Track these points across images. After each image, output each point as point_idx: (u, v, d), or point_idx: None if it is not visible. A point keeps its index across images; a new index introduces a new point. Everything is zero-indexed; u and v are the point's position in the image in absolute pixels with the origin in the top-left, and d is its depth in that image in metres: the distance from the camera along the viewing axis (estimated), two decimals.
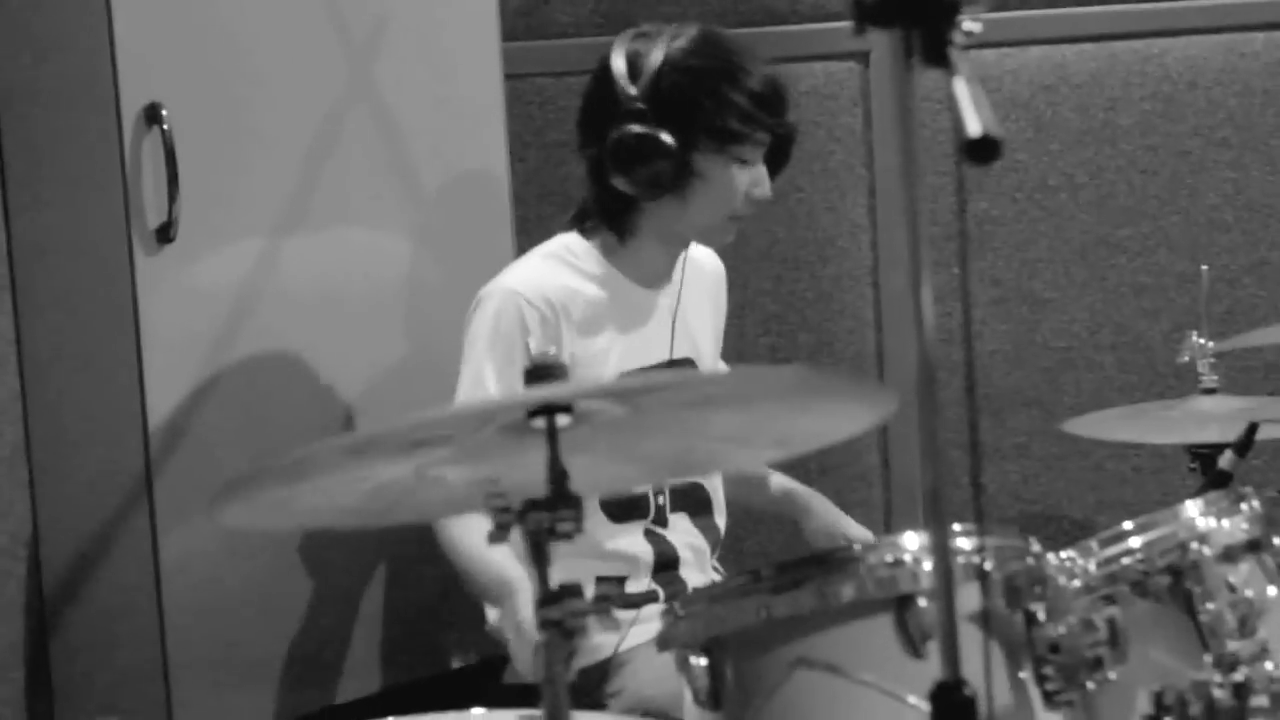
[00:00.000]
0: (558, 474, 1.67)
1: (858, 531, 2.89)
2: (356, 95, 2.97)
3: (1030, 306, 3.56)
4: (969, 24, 1.46)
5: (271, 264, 2.86)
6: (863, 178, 3.54)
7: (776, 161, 2.79)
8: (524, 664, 2.53)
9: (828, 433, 1.84)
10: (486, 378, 2.67)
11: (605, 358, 2.75)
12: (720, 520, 2.88)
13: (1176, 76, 3.52)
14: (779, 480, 2.98)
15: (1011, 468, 3.56)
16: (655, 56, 2.70)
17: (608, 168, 2.70)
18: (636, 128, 2.69)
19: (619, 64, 2.72)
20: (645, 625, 2.62)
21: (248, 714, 2.83)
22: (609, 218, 2.77)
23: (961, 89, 1.42)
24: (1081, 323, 3.56)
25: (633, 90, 2.69)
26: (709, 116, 2.69)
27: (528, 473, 1.68)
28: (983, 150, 1.40)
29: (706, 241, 2.85)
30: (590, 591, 1.70)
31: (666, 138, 2.69)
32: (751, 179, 2.74)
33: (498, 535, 1.68)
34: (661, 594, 2.76)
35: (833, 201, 3.55)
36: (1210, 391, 2.93)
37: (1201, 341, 2.92)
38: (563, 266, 2.77)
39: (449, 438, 1.70)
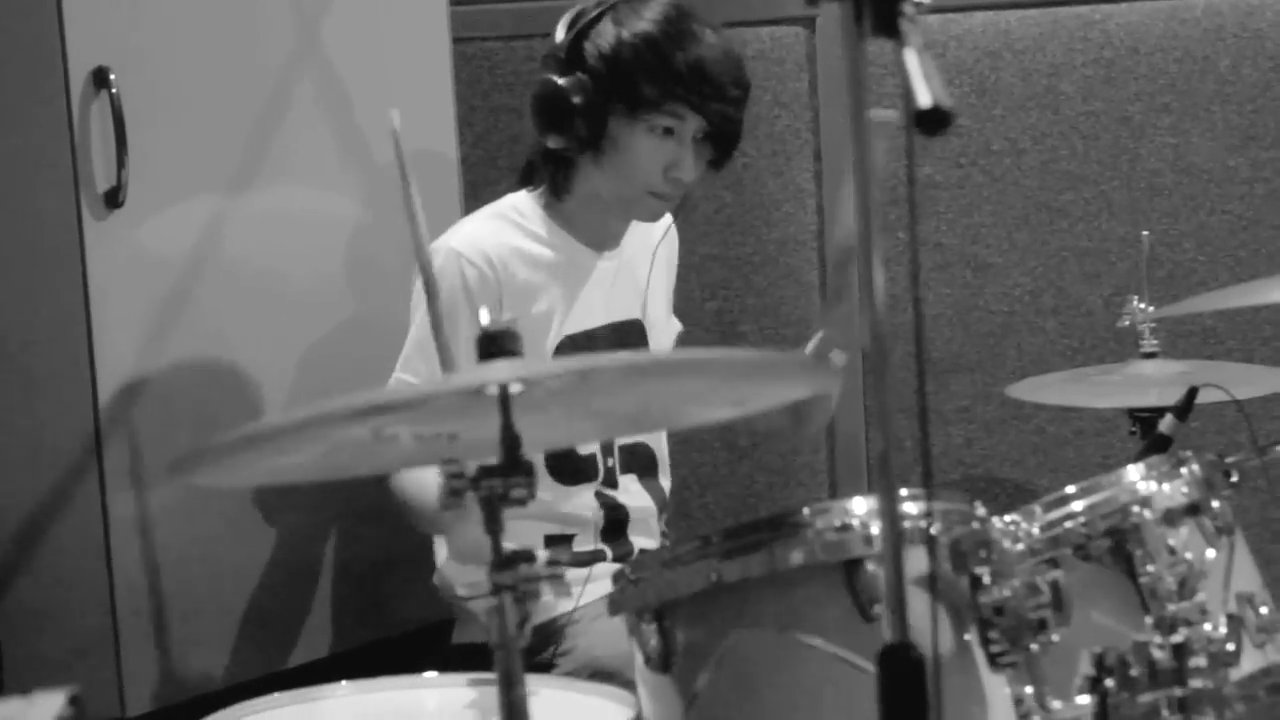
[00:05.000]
0: (510, 441, 1.69)
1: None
2: (304, 59, 2.96)
3: (973, 271, 3.58)
4: None
5: (220, 228, 2.86)
6: (808, 142, 3.56)
7: (716, 154, 2.75)
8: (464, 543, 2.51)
9: (781, 395, 1.86)
10: (428, 339, 2.68)
11: (546, 320, 2.75)
12: (665, 482, 2.90)
13: (1118, 42, 3.55)
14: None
15: (955, 431, 3.59)
16: (596, 13, 2.71)
17: (533, 118, 2.71)
18: (556, 79, 2.69)
19: (567, 16, 2.73)
20: (594, 584, 2.64)
21: (199, 679, 2.83)
22: (545, 173, 2.78)
23: (912, 60, 1.44)
24: (1024, 287, 3.59)
25: (561, 36, 2.70)
26: (626, 78, 2.67)
27: (483, 429, 1.69)
28: (933, 120, 1.42)
29: (626, 213, 2.80)
30: (540, 552, 1.72)
31: (579, 93, 2.68)
32: (673, 158, 2.70)
33: (451, 501, 1.70)
34: (609, 554, 2.78)
35: (779, 166, 3.57)
36: (1151, 356, 2.96)
37: (1142, 306, 2.95)
38: (508, 225, 2.78)
39: (404, 411, 1.70)
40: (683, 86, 2.67)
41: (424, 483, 2.58)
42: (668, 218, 2.90)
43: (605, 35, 2.69)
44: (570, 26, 2.72)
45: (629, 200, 2.75)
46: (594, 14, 2.71)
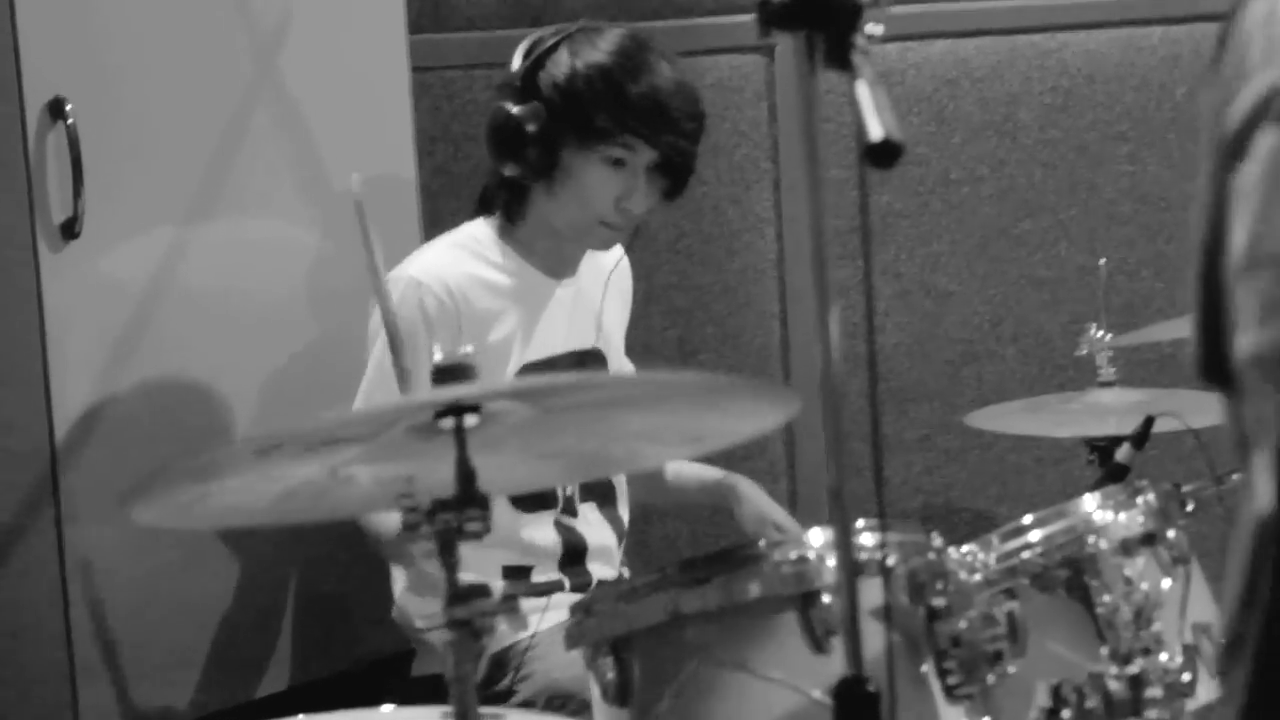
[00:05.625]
0: (465, 474, 1.68)
1: (785, 519, 2.89)
2: (262, 89, 2.96)
3: (932, 300, 3.59)
4: (872, 27, 1.48)
5: (178, 259, 2.85)
6: (768, 171, 3.56)
7: (669, 185, 2.75)
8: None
9: (738, 430, 1.86)
10: (388, 369, 2.67)
11: (506, 347, 2.75)
12: (624, 512, 2.90)
13: (1075, 70, 3.57)
14: (692, 470, 2.97)
15: (914, 460, 3.60)
16: (552, 42, 2.72)
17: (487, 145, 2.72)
18: (510, 107, 2.70)
19: (524, 44, 2.73)
20: (552, 612, 2.63)
21: (156, 713, 2.82)
22: (500, 200, 2.78)
23: (864, 93, 1.44)
24: (983, 316, 3.60)
25: (518, 65, 2.71)
26: (579, 108, 2.67)
27: (440, 471, 1.69)
28: (884, 154, 1.42)
29: (579, 242, 2.80)
30: (498, 585, 1.72)
31: (532, 122, 2.68)
32: (625, 188, 2.70)
33: (406, 536, 1.70)
34: (568, 584, 2.78)
35: (738, 195, 3.58)
36: (1109, 384, 2.97)
37: (1100, 334, 2.97)
38: (466, 255, 2.78)
39: (358, 437, 1.70)
40: (635, 118, 2.67)
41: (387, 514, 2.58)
42: (618, 248, 2.90)
43: (560, 64, 2.70)
44: (527, 55, 2.72)
45: (580, 229, 2.75)
46: (551, 43, 2.72)
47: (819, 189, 1.50)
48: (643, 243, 2.99)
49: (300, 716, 2.20)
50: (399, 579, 2.83)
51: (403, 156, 3.17)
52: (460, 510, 1.68)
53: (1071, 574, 2.13)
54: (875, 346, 3.36)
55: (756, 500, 2.91)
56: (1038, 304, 3.59)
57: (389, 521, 2.58)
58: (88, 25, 2.74)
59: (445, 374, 1.70)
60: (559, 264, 2.83)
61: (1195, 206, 1.37)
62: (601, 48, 2.70)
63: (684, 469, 2.98)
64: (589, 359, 2.84)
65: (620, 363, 2.95)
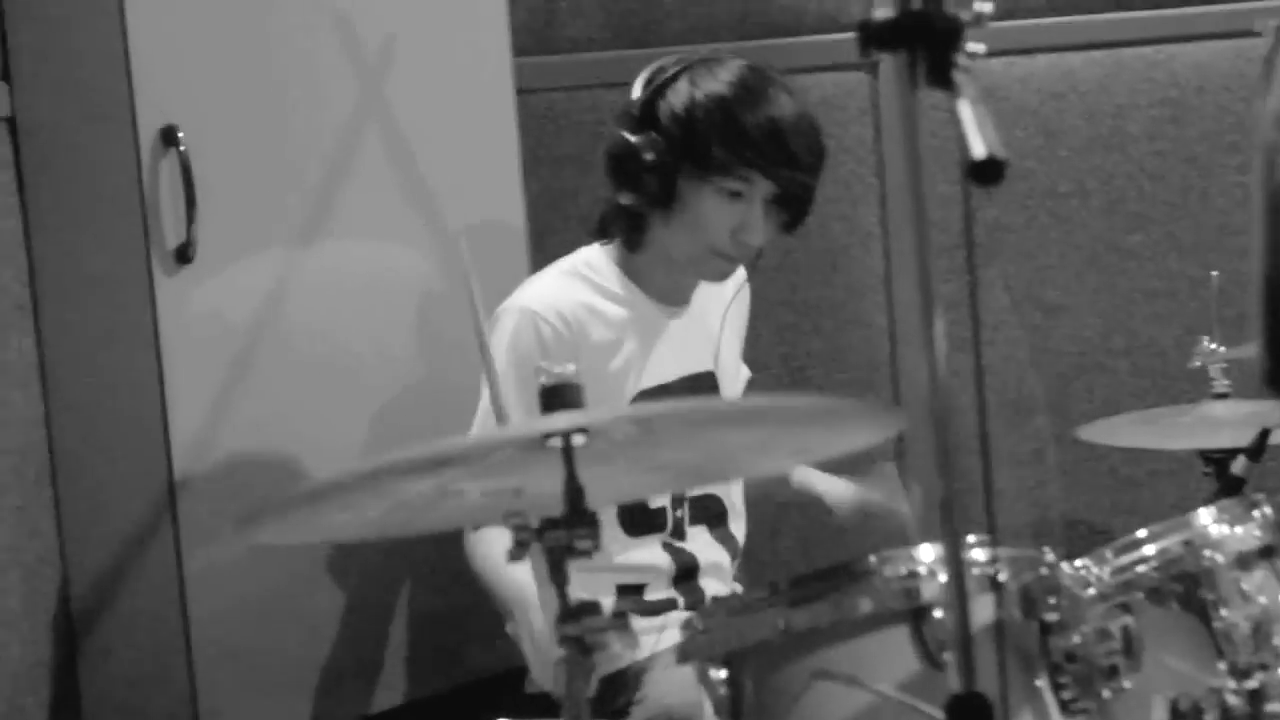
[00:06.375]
0: (574, 493, 1.69)
1: (882, 500, 2.87)
2: (368, 113, 2.99)
3: (1042, 313, 3.57)
4: (973, 46, 1.48)
5: (289, 282, 2.89)
6: (873, 186, 3.56)
7: (788, 217, 2.73)
8: (540, 674, 2.55)
9: (844, 442, 1.86)
10: (506, 398, 2.68)
11: (622, 376, 2.75)
12: (738, 530, 2.89)
13: (1184, 82, 3.54)
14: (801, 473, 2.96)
15: (1026, 474, 3.57)
16: (673, 71, 2.71)
17: (606, 173, 2.72)
18: (628, 136, 2.70)
19: (646, 73, 2.73)
20: (667, 632, 2.63)
21: None
22: (616, 227, 2.79)
23: (966, 111, 1.44)
24: (1093, 329, 3.57)
25: (638, 94, 2.71)
26: (696, 139, 2.66)
27: (547, 483, 1.70)
28: (987, 172, 1.42)
29: (694, 273, 2.78)
30: (610, 602, 1.72)
31: (649, 151, 2.69)
32: (741, 220, 2.68)
33: (517, 553, 1.71)
34: (681, 602, 2.78)
35: (844, 211, 3.57)
36: (1222, 396, 2.94)
37: (1213, 346, 2.94)
38: (580, 283, 2.77)
39: (469, 461, 1.72)
40: (752, 150, 2.66)
41: (496, 569, 2.61)
42: (742, 273, 2.88)
43: (680, 94, 2.69)
44: (648, 84, 2.72)
45: (695, 259, 2.74)
46: (672, 72, 2.71)
47: (923, 209, 1.50)
48: (755, 269, 2.99)
49: None
50: None
51: (508, 178, 3.19)
52: (570, 528, 1.69)
53: (1187, 588, 2.10)
54: (983, 360, 3.35)
55: (847, 500, 2.90)
56: (1149, 316, 3.56)
57: (489, 557, 2.61)
58: (198, 54, 2.79)
59: (551, 395, 1.72)
60: (674, 291, 2.82)
61: (1254, 219, 1.36)
62: (721, 78, 2.69)
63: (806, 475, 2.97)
64: (701, 382, 2.83)
65: (734, 380, 2.94)
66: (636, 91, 2.71)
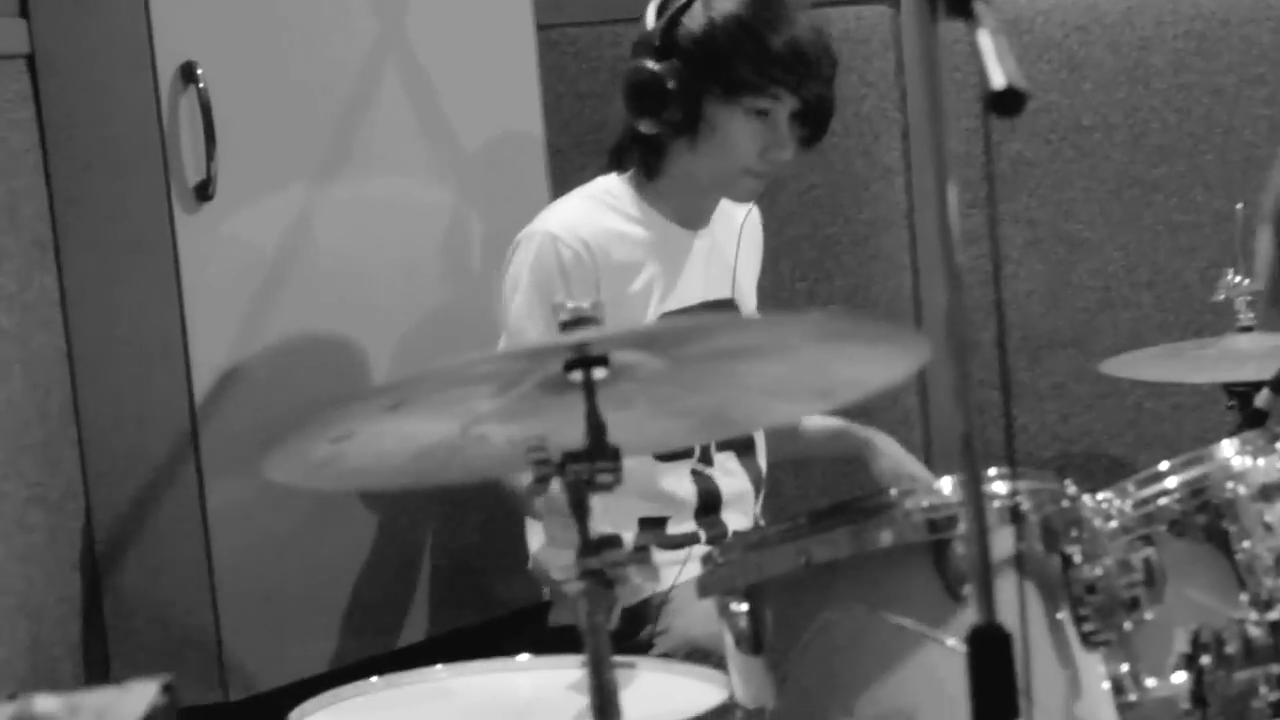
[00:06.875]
0: (595, 426, 1.69)
1: (921, 471, 2.88)
2: (389, 49, 2.98)
3: (1066, 247, 3.56)
4: None
5: (310, 218, 2.89)
6: (896, 121, 3.54)
7: (809, 132, 2.76)
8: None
9: (868, 381, 1.84)
10: (526, 320, 2.69)
11: (644, 298, 2.76)
12: (762, 461, 2.90)
13: (1209, 14, 3.51)
14: (824, 422, 2.95)
15: (1050, 408, 3.57)
16: None
17: (626, 103, 2.72)
18: (649, 64, 2.70)
19: (655, 2, 2.73)
20: (690, 565, 2.64)
21: (298, 661, 2.86)
22: (635, 155, 2.79)
23: (985, 41, 1.43)
24: (1117, 262, 3.56)
25: (653, 23, 2.71)
26: (721, 62, 2.68)
27: (573, 430, 1.69)
28: (1007, 102, 1.41)
29: (723, 193, 2.81)
30: (627, 535, 1.72)
31: (673, 78, 2.68)
32: (770, 138, 2.70)
33: (537, 487, 1.71)
34: (703, 536, 2.79)
35: (866, 145, 3.56)
36: (1247, 329, 2.93)
37: (1238, 280, 2.93)
38: (602, 208, 2.78)
39: (490, 385, 1.71)
40: (779, 68, 2.67)
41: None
42: (753, 205, 2.90)
43: (697, 19, 2.69)
44: (660, 12, 2.72)
45: (726, 181, 2.75)
46: (683, 0, 2.72)
47: (943, 141, 1.49)
48: (771, 195, 2.98)
49: (438, 666, 2.23)
50: (535, 532, 2.85)
51: (529, 114, 3.18)
52: (591, 461, 1.68)
53: (1210, 520, 2.10)
54: (1004, 294, 3.34)
55: (892, 453, 2.89)
56: (1173, 250, 3.54)
57: (524, 478, 2.61)
58: None
59: (572, 327, 1.71)
60: (694, 216, 2.83)
61: None
62: (738, 1, 2.69)
63: (816, 420, 2.97)
64: (723, 308, 2.84)
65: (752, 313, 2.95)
66: (650, 21, 2.72)
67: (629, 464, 1.70)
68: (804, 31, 2.70)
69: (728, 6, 2.70)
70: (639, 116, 2.72)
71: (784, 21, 2.69)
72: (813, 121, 2.74)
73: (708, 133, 2.71)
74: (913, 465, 2.89)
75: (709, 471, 2.82)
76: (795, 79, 2.68)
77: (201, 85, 2.72)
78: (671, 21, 2.70)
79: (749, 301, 2.93)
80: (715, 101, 2.69)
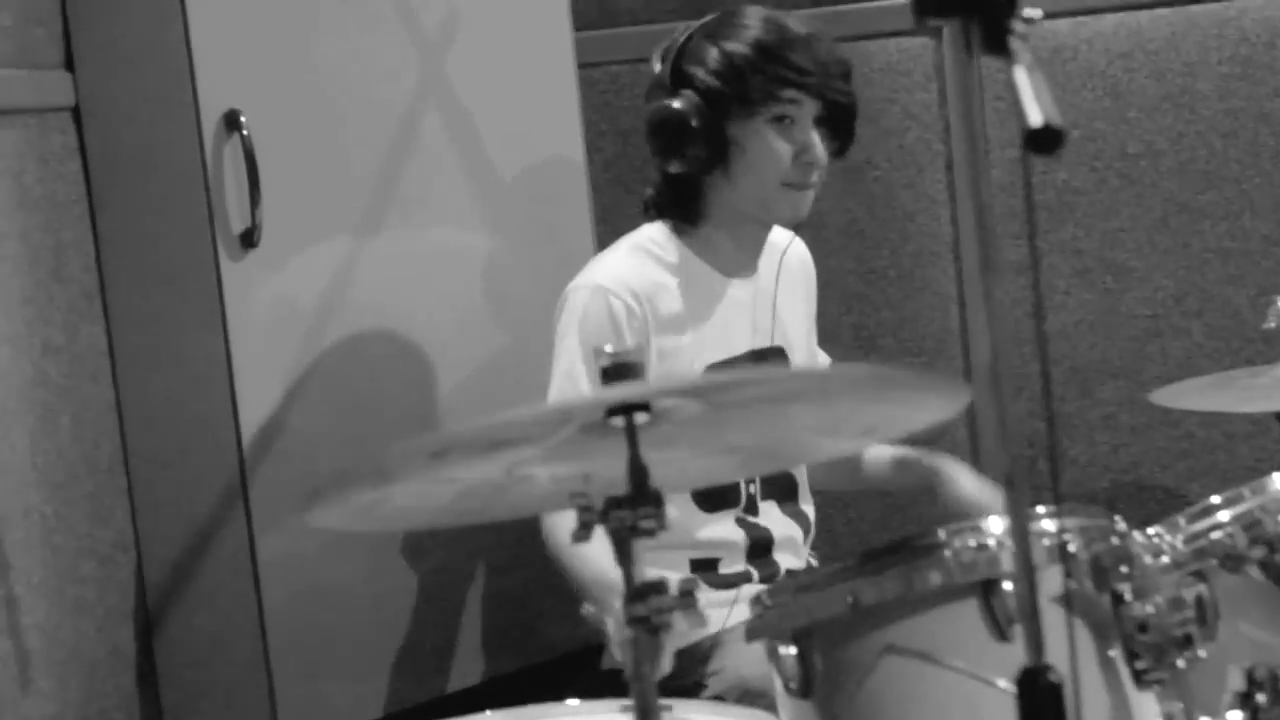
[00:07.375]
0: (638, 472, 1.68)
1: (996, 501, 2.72)
2: (431, 92, 2.99)
3: (1114, 276, 3.53)
4: (1029, 11, 1.46)
5: (355, 264, 2.89)
6: (939, 153, 3.53)
7: (837, 137, 2.76)
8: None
9: (912, 420, 1.84)
10: (578, 374, 2.68)
11: (693, 350, 2.75)
12: (808, 507, 2.88)
13: (1254, 38, 3.48)
14: (888, 451, 2.91)
15: (1100, 439, 3.54)
16: (685, 35, 2.74)
17: (652, 147, 2.73)
18: (665, 103, 2.70)
19: (659, 49, 2.76)
20: (741, 605, 2.63)
21: (351, 708, 2.86)
22: (672, 201, 2.79)
23: (1022, 78, 1.42)
24: (1166, 291, 3.53)
25: (659, 67, 2.72)
26: (733, 80, 2.68)
27: (616, 469, 1.69)
28: (1045, 140, 1.40)
29: (770, 216, 2.79)
30: (672, 578, 1.71)
31: (691, 111, 2.69)
32: (799, 144, 2.71)
33: (581, 534, 1.70)
34: (756, 575, 2.77)
35: (910, 178, 3.55)
36: None
37: None
38: (648, 259, 2.78)
39: (532, 437, 1.71)
40: (791, 70, 2.69)
41: (578, 553, 2.59)
42: (802, 247, 2.89)
43: (701, 49, 2.72)
44: (664, 55, 2.75)
45: (766, 200, 2.74)
46: (684, 36, 2.75)
47: (981, 176, 1.48)
48: (816, 228, 2.97)
49: (488, 713, 2.23)
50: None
51: (572, 153, 3.19)
52: (634, 508, 1.68)
53: (1264, 554, 2.08)
54: (1045, 325, 3.31)
55: (962, 482, 2.83)
56: (1223, 277, 3.52)
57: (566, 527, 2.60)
58: (259, 38, 2.80)
59: (612, 374, 1.71)
60: (739, 261, 2.82)
61: None
62: (737, 23, 2.73)
63: (880, 450, 2.92)
64: (769, 356, 2.83)
65: (808, 354, 2.93)
66: (657, 66, 2.74)
67: (673, 515, 1.69)
68: (808, 36, 2.72)
69: (728, 30, 2.72)
70: (667, 157, 2.72)
71: (786, 29, 2.72)
72: (838, 125, 2.74)
73: (738, 155, 2.71)
74: (984, 494, 2.81)
75: (754, 520, 2.80)
76: (808, 79, 2.70)
77: (245, 133, 2.73)
78: (677, 58, 2.72)
79: (800, 343, 2.90)
80: (737, 122, 2.70)
